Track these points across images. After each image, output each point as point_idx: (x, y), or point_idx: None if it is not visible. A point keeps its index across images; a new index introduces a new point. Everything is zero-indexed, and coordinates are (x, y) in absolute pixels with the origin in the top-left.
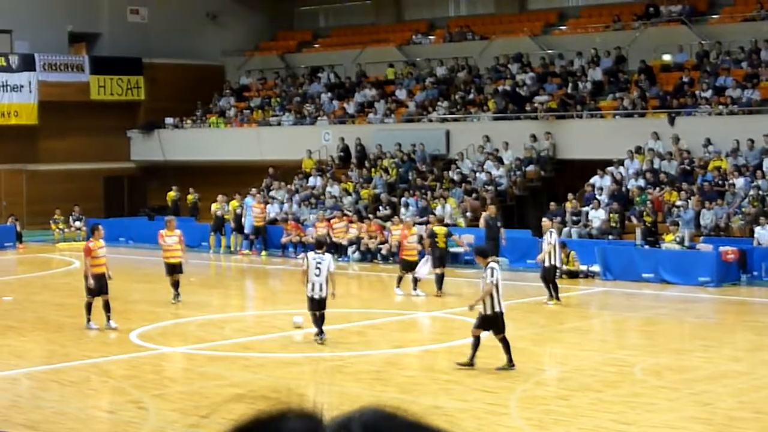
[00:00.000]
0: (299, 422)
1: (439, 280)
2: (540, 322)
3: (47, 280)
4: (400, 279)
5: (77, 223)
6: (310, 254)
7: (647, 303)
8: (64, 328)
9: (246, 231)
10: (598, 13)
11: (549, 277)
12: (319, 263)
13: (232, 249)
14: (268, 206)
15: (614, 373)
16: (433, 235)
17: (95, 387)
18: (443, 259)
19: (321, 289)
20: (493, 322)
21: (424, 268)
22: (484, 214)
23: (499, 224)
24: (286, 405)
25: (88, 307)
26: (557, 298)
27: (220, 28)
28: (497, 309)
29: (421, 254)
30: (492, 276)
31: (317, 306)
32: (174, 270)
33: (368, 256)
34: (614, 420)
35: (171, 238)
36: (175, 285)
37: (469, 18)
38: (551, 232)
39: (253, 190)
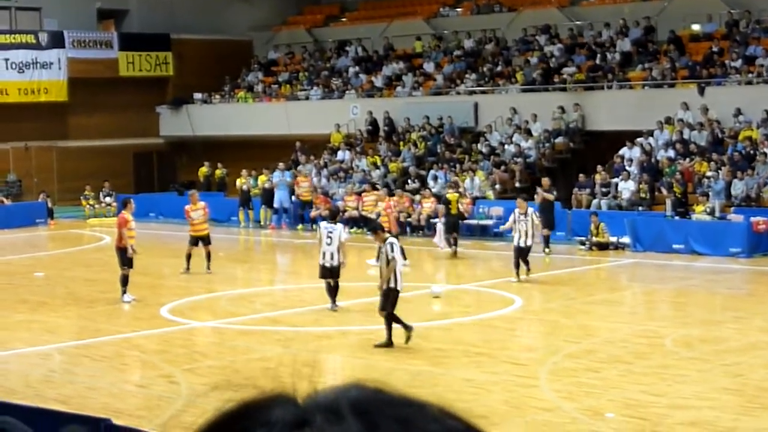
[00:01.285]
0: (285, 409)
1: (453, 242)
2: (570, 294)
3: (78, 255)
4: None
5: (107, 199)
6: (323, 224)
7: (677, 274)
8: (96, 303)
9: (275, 205)
10: None
11: (523, 256)
12: (331, 232)
13: (262, 223)
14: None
15: (644, 344)
16: (446, 202)
17: (127, 362)
18: (456, 224)
19: (332, 258)
20: (384, 296)
21: (440, 240)
22: (539, 189)
23: (553, 195)
24: (269, 392)
25: (125, 280)
26: (526, 273)
27: (247, 2)
28: (392, 285)
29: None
30: (392, 251)
31: (329, 274)
32: (202, 242)
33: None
34: (644, 391)
35: (196, 212)
36: (207, 256)
37: None
38: (534, 212)
39: (301, 166)
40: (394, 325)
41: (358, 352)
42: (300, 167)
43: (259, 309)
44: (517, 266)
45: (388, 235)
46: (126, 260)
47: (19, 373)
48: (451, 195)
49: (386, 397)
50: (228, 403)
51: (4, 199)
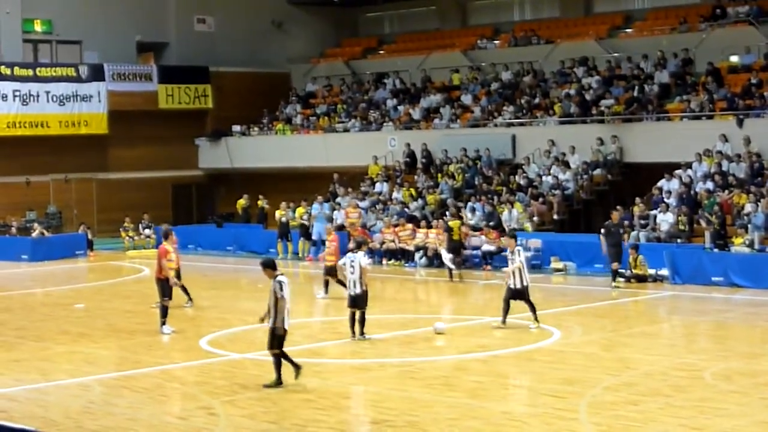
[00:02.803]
0: None
1: (456, 265)
2: (608, 326)
3: (118, 287)
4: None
5: (147, 231)
6: (348, 254)
7: (717, 307)
8: (135, 334)
9: (313, 237)
10: (664, 15)
11: (524, 297)
12: (353, 261)
13: (300, 255)
14: (335, 212)
15: (684, 377)
16: (449, 229)
17: (166, 393)
18: (458, 249)
19: (355, 286)
20: (271, 334)
21: (447, 261)
22: (607, 222)
23: (621, 231)
24: None
25: (164, 311)
26: (536, 319)
27: (285, 35)
28: (278, 324)
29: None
30: (281, 290)
31: (353, 303)
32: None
33: (435, 261)
34: (684, 425)
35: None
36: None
37: (534, 22)
38: (519, 250)
39: (348, 198)
40: (284, 363)
41: (397, 385)
42: (338, 198)
43: (297, 341)
44: (506, 311)
45: (278, 272)
46: (167, 291)
47: (59, 404)
48: (453, 222)
49: None
50: None
51: (45, 231)
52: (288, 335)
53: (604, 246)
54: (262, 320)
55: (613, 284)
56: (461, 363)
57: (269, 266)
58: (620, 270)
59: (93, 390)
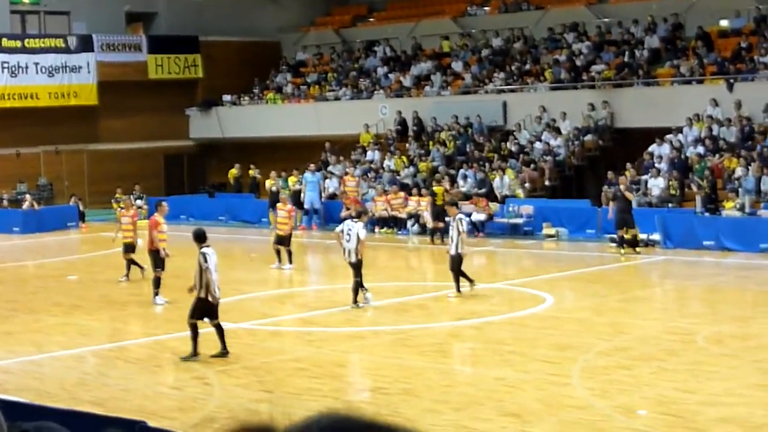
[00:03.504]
0: None
1: (438, 231)
2: (601, 291)
3: (110, 258)
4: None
5: (138, 202)
6: (346, 222)
7: (708, 271)
8: (128, 305)
9: (306, 206)
10: None
11: (455, 266)
12: (350, 229)
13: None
14: (327, 181)
15: (676, 341)
16: (433, 194)
17: (160, 364)
18: (440, 214)
19: (349, 255)
20: (209, 308)
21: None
22: (615, 188)
23: (632, 194)
24: (252, 424)
25: (157, 282)
26: (458, 290)
27: (275, 4)
28: (202, 295)
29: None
30: (206, 262)
31: (350, 270)
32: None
33: (427, 229)
34: (677, 388)
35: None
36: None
37: None
38: (461, 218)
39: (341, 166)
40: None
41: (391, 353)
42: (330, 167)
43: (291, 310)
44: (457, 278)
45: (205, 244)
46: (159, 262)
47: (54, 376)
48: (437, 188)
49: (354, 422)
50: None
51: (36, 203)
52: (281, 304)
53: (611, 211)
54: (190, 290)
55: (621, 251)
56: (454, 330)
57: (196, 238)
58: (612, 235)
59: (87, 361)
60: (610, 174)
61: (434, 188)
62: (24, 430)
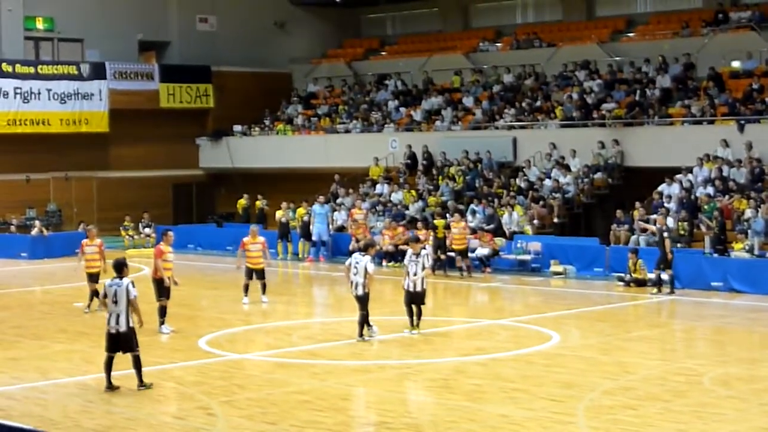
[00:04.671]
0: None
1: (439, 264)
2: (607, 330)
3: None
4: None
5: (147, 230)
6: (354, 255)
7: (716, 312)
8: None
9: (314, 238)
10: (666, 20)
11: (418, 301)
12: (357, 263)
13: (300, 256)
14: (335, 213)
15: (682, 382)
16: (434, 227)
17: (164, 393)
18: (441, 247)
19: (356, 288)
20: (126, 338)
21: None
22: (654, 227)
23: (665, 235)
24: None
25: (162, 311)
26: (417, 325)
27: (287, 36)
28: (131, 325)
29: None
30: (134, 288)
31: (356, 303)
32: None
33: (435, 263)
34: (682, 430)
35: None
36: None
37: (537, 25)
38: (427, 254)
39: (350, 198)
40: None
41: (396, 387)
42: (339, 199)
43: (296, 342)
44: (410, 313)
45: (121, 276)
46: (163, 291)
47: (57, 403)
48: (438, 221)
49: None
50: None
51: (44, 229)
52: (287, 336)
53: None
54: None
55: (665, 290)
56: (460, 365)
57: (116, 269)
58: (620, 274)
59: (91, 389)
60: (619, 213)
61: (435, 221)
62: None
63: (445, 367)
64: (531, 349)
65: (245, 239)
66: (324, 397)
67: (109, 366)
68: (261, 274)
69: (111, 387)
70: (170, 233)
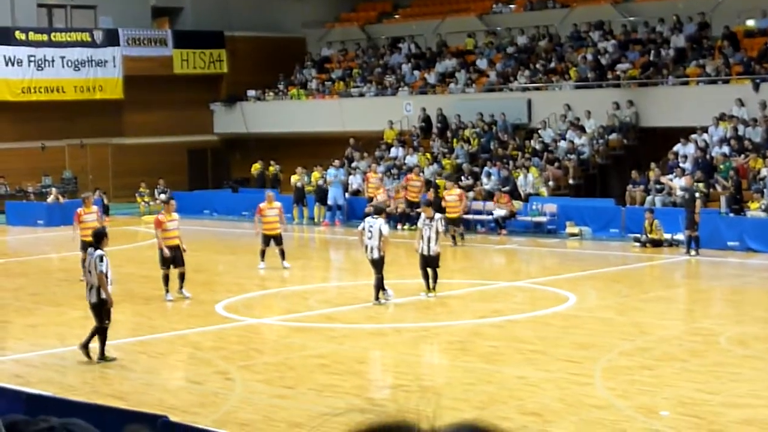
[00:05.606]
0: None
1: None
2: (624, 291)
3: (133, 252)
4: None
5: (162, 196)
6: (367, 219)
7: (732, 271)
8: (151, 300)
9: (329, 202)
10: None
11: (432, 264)
12: (371, 226)
13: (315, 220)
14: (350, 177)
15: (699, 342)
16: (436, 186)
17: (182, 358)
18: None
19: (371, 252)
20: (96, 309)
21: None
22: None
23: (696, 196)
24: (395, 418)
25: (165, 279)
26: (433, 288)
27: (300, 0)
28: (103, 296)
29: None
30: (101, 262)
31: (371, 266)
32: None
33: (448, 225)
34: (699, 389)
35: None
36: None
37: None
38: (440, 218)
39: (365, 162)
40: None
41: (412, 350)
42: (354, 163)
43: (313, 306)
44: (426, 277)
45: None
46: (162, 261)
47: (76, 369)
48: (440, 180)
49: None
50: (357, 425)
51: (61, 197)
52: (303, 300)
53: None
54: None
55: (692, 252)
56: (476, 328)
57: (96, 239)
58: (636, 235)
59: (109, 355)
60: (634, 173)
61: (437, 180)
62: (51, 427)
63: (461, 330)
64: (548, 310)
65: (261, 205)
66: (341, 360)
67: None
68: (278, 239)
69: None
70: (171, 202)
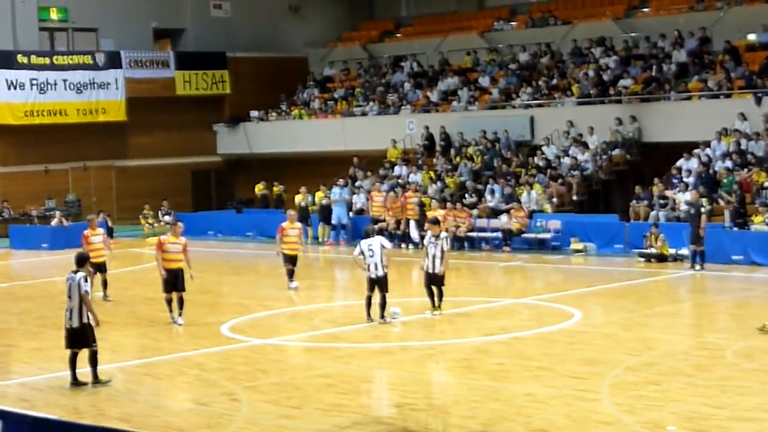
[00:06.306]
0: None
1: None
2: (629, 306)
3: (138, 274)
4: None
5: (166, 218)
6: (363, 242)
7: (737, 285)
8: (156, 322)
9: (333, 222)
10: None
11: (437, 282)
12: (371, 245)
13: (320, 240)
14: (354, 196)
15: (705, 356)
16: (422, 204)
17: (188, 380)
18: (421, 224)
19: (377, 269)
20: (80, 334)
21: (414, 233)
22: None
23: (701, 210)
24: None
25: (168, 303)
26: (439, 306)
27: (302, 20)
28: (85, 320)
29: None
30: (86, 282)
31: (375, 286)
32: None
33: (455, 243)
34: (706, 404)
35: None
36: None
37: (551, 2)
38: (446, 237)
39: (369, 181)
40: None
41: (420, 368)
42: (358, 182)
43: (318, 326)
44: (431, 294)
45: (79, 269)
46: (163, 284)
47: (82, 392)
48: (426, 199)
49: None
50: None
51: (64, 220)
52: (309, 320)
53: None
54: (94, 320)
55: (697, 267)
56: (483, 345)
57: (78, 263)
58: (640, 250)
59: (115, 377)
60: (637, 189)
61: (423, 199)
62: None
63: (467, 347)
64: (553, 327)
65: (284, 224)
66: (348, 379)
67: (72, 362)
68: (294, 260)
69: (76, 383)
70: (178, 224)
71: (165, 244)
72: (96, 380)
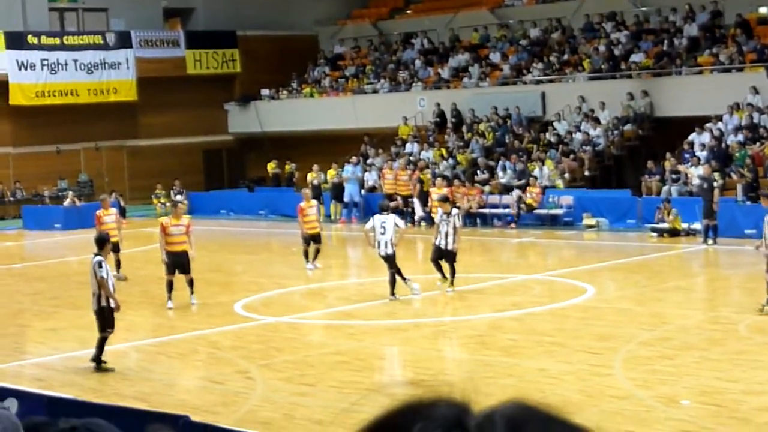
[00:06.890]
0: (449, 409)
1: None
2: (642, 281)
3: (151, 254)
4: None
5: (178, 197)
6: (376, 216)
7: (750, 259)
8: None
9: (345, 199)
10: None
11: (448, 259)
12: (384, 222)
13: (332, 218)
14: (366, 174)
15: (718, 330)
16: (420, 181)
17: (202, 359)
18: (426, 198)
19: (385, 247)
20: (98, 317)
21: (419, 210)
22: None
23: (714, 185)
24: (437, 392)
25: (168, 285)
26: (452, 283)
27: None
28: (103, 303)
29: None
30: (101, 268)
31: (385, 262)
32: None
33: (467, 220)
34: (719, 378)
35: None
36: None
37: None
38: (457, 213)
39: (380, 158)
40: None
41: (433, 345)
42: (369, 160)
43: (332, 303)
44: (438, 267)
45: (98, 252)
46: (166, 266)
47: (98, 372)
48: (423, 176)
49: (541, 415)
50: (404, 397)
51: (77, 200)
52: (322, 298)
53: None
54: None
55: (709, 241)
56: (496, 321)
57: (99, 244)
58: (653, 225)
59: (130, 357)
60: (649, 163)
61: (421, 176)
62: (72, 427)
63: (480, 324)
64: (566, 302)
65: (302, 204)
66: (361, 357)
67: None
68: (318, 238)
69: (99, 367)
70: (179, 206)
71: (168, 227)
72: (98, 365)
